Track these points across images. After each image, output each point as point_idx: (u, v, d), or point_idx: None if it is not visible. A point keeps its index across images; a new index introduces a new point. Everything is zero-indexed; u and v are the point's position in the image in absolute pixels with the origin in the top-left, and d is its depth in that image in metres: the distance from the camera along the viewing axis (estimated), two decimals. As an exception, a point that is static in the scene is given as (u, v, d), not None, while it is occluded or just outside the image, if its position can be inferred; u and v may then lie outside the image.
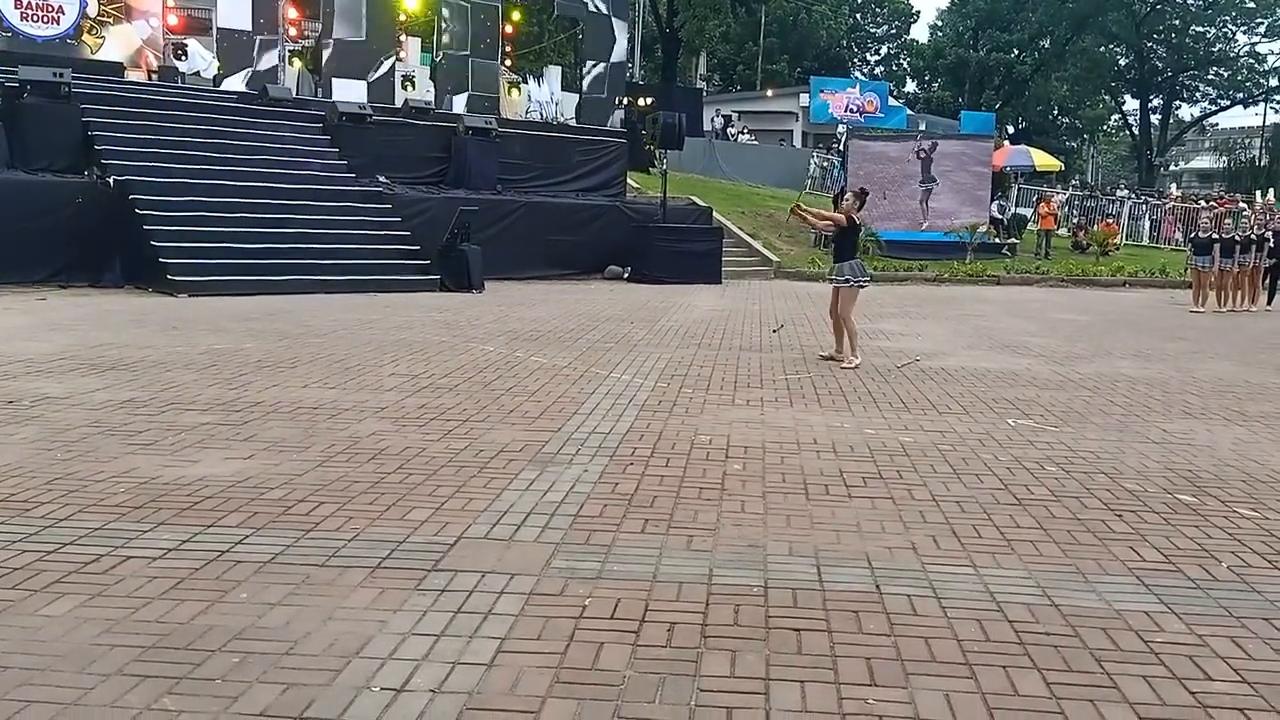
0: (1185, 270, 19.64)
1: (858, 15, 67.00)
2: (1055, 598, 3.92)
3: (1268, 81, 62.14)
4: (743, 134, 39.28)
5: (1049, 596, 3.93)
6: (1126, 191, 37.33)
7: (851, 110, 40.47)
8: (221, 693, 3.00)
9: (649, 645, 3.40)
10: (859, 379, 8.85)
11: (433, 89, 22.01)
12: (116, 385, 7.42)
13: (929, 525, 4.78)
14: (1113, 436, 6.85)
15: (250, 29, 18.62)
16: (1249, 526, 4.93)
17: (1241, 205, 28.28)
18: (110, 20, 18.93)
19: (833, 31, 60.35)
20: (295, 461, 5.54)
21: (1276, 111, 64.21)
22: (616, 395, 7.72)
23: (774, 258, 22.16)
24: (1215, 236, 17.61)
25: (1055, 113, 68.23)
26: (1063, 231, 28.58)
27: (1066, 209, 31.08)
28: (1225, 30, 61.66)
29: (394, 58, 20.57)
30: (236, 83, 18.74)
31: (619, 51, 23.46)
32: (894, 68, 68.81)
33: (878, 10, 67.81)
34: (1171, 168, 78.85)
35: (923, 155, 24.83)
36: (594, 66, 22.95)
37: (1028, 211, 28.66)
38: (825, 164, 32.22)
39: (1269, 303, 18.37)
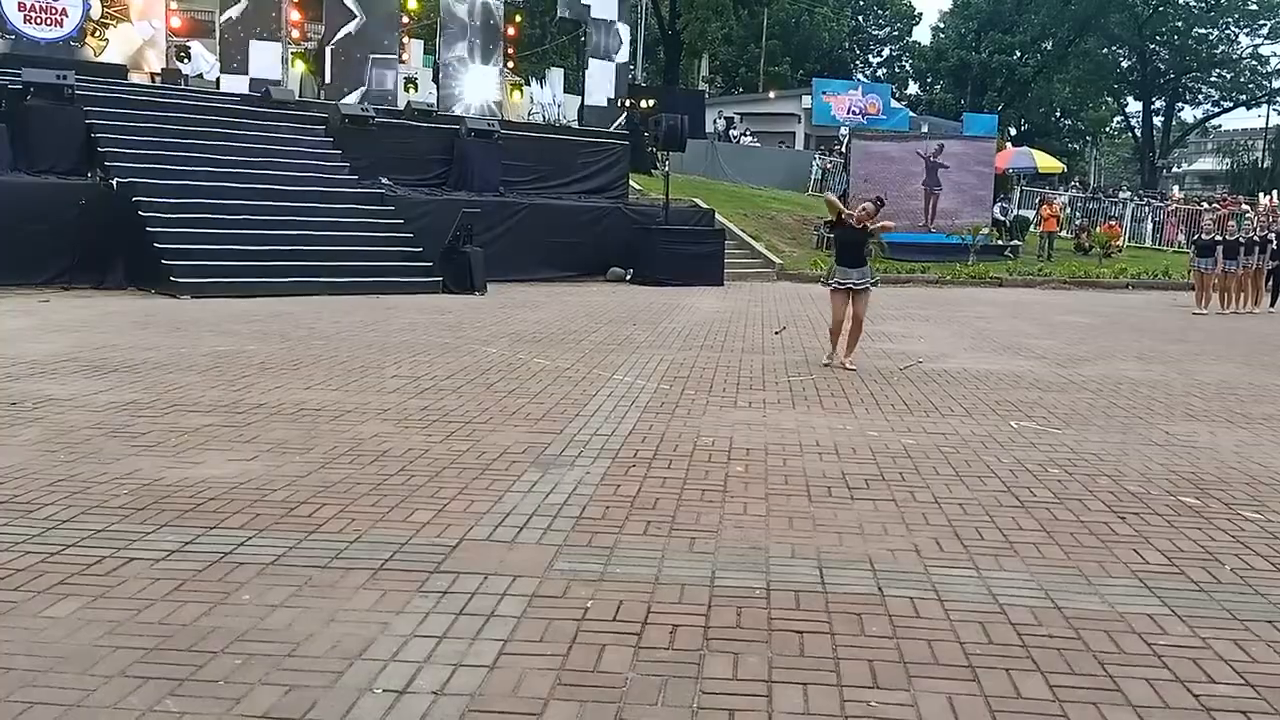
0: (1188, 272, 19.62)
1: (860, 17, 67.01)
2: (1058, 600, 3.92)
3: (1270, 83, 62.09)
4: (745, 136, 39.27)
5: (1052, 599, 3.93)
6: (1129, 193, 37.28)
7: (854, 112, 40.47)
8: (224, 694, 3.00)
9: (651, 647, 3.40)
10: (860, 381, 8.84)
11: (435, 91, 22.04)
12: (120, 387, 7.42)
13: (931, 527, 4.78)
14: (1115, 439, 6.84)
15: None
16: (1252, 529, 4.92)
17: (1244, 207, 28.27)
18: (113, 23, 18.97)
19: (835, 33, 60.36)
20: (298, 463, 5.54)
21: (1279, 113, 64.22)
22: (619, 397, 7.72)
23: (776, 260, 22.16)
24: (1218, 238, 17.61)
25: (1057, 115, 68.18)
26: (1065, 233, 28.56)
27: (1069, 211, 31.06)
28: (1228, 32, 61.62)
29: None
30: (239, 84, 18.80)
31: (621, 54, 23.48)
32: (896, 70, 68.80)
33: (880, 12, 67.81)
34: (1174, 170, 78.77)
35: (929, 158, 24.81)
36: (596, 69, 22.97)
37: (1030, 213, 28.65)
38: (828, 166, 32.23)
39: (1272, 305, 18.36)
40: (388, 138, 18.17)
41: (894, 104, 44.72)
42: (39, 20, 17.59)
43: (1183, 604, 3.93)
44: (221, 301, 12.81)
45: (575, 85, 27.13)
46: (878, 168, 24.62)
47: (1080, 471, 5.90)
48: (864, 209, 9.69)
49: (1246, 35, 61.49)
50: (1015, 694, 3.16)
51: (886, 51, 69.98)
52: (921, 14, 67.90)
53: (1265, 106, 63.72)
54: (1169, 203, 33.72)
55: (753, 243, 22.91)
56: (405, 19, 23.78)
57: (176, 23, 20.09)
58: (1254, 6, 59.68)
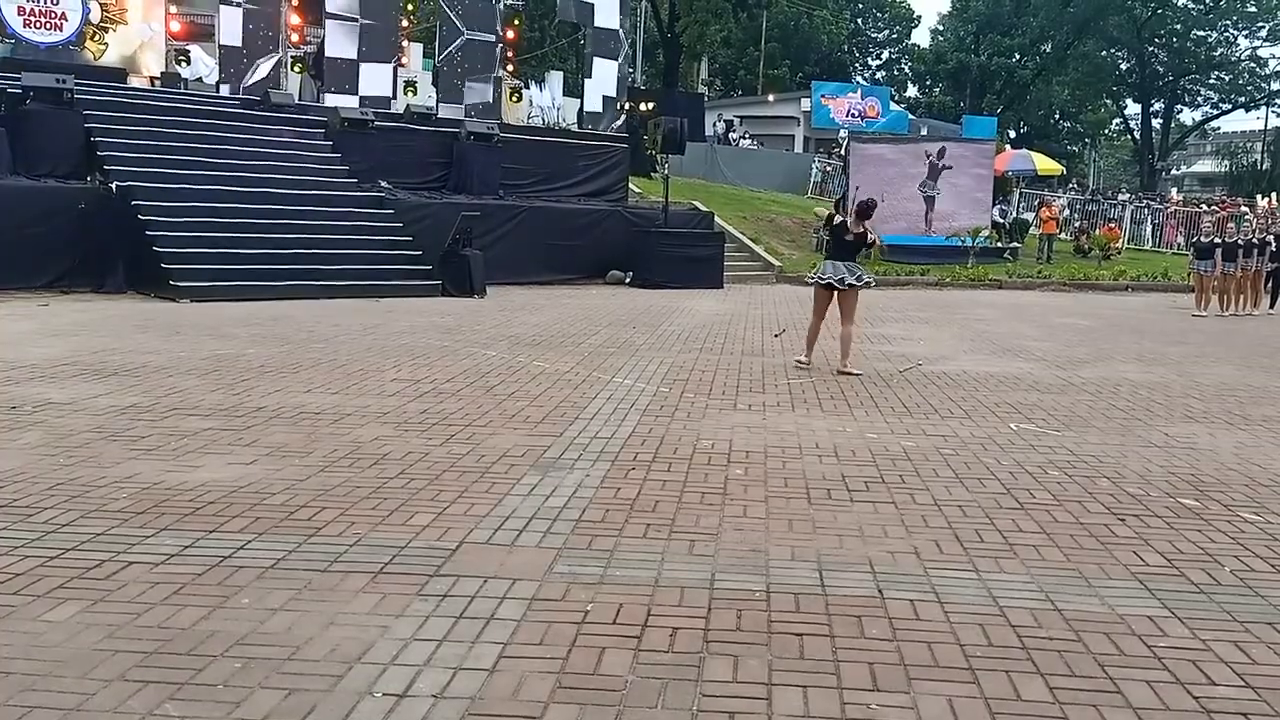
0: (1187, 274, 19.64)
1: (859, 20, 67.04)
2: (1058, 602, 3.92)
3: (1269, 85, 62.12)
4: (744, 139, 39.29)
5: (1052, 601, 3.93)
6: (1128, 195, 37.29)
7: (853, 115, 40.48)
8: (223, 698, 3.00)
9: (651, 650, 3.40)
10: (860, 384, 8.84)
11: (435, 94, 22.05)
12: (119, 390, 7.42)
13: (931, 529, 4.78)
14: (1115, 440, 6.84)
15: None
16: (1252, 530, 4.92)
17: (1243, 209, 28.28)
18: (113, 27, 18.96)
19: (834, 36, 60.38)
20: (297, 467, 5.54)
21: (1278, 115, 64.25)
22: (618, 400, 7.72)
23: (776, 262, 22.18)
24: (1217, 241, 17.63)
25: (1056, 117, 68.22)
26: (1065, 235, 28.59)
27: (1068, 213, 31.08)
28: (1226, 34, 61.62)
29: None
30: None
31: (620, 56, 23.48)
32: (895, 72, 68.82)
33: (879, 15, 67.85)
34: (1173, 172, 78.77)
35: (933, 160, 24.83)
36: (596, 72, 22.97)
37: (1030, 216, 28.67)
38: (828, 168, 32.25)
39: (1271, 307, 18.37)
40: (386, 141, 18.17)
41: (893, 107, 44.70)
42: (39, 25, 17.59)
43: (1182, 606, 3.92)
44: (221, 305, 12.82)
45: (574, 88, 27.15)
46: (875, 170, 24.64)
47: (1080, 473, 5.90)
48: (854, 222, 9.45)
49: (1245, 37, 61.56)
50: (1015, 696, 3.16)
51: (885, 54, 70.03)
52: (920, 17, 68.03)
53: (1264, 109, 63.81)
54: (1168, 205, 33.72)
55: (752, 245, 22.92)
56: (404, 23, 23.79)
57: (176, 27, 20.09)
58: (1252, 8, 59.71)
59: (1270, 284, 18.51)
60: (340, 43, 19.30)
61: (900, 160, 24.97)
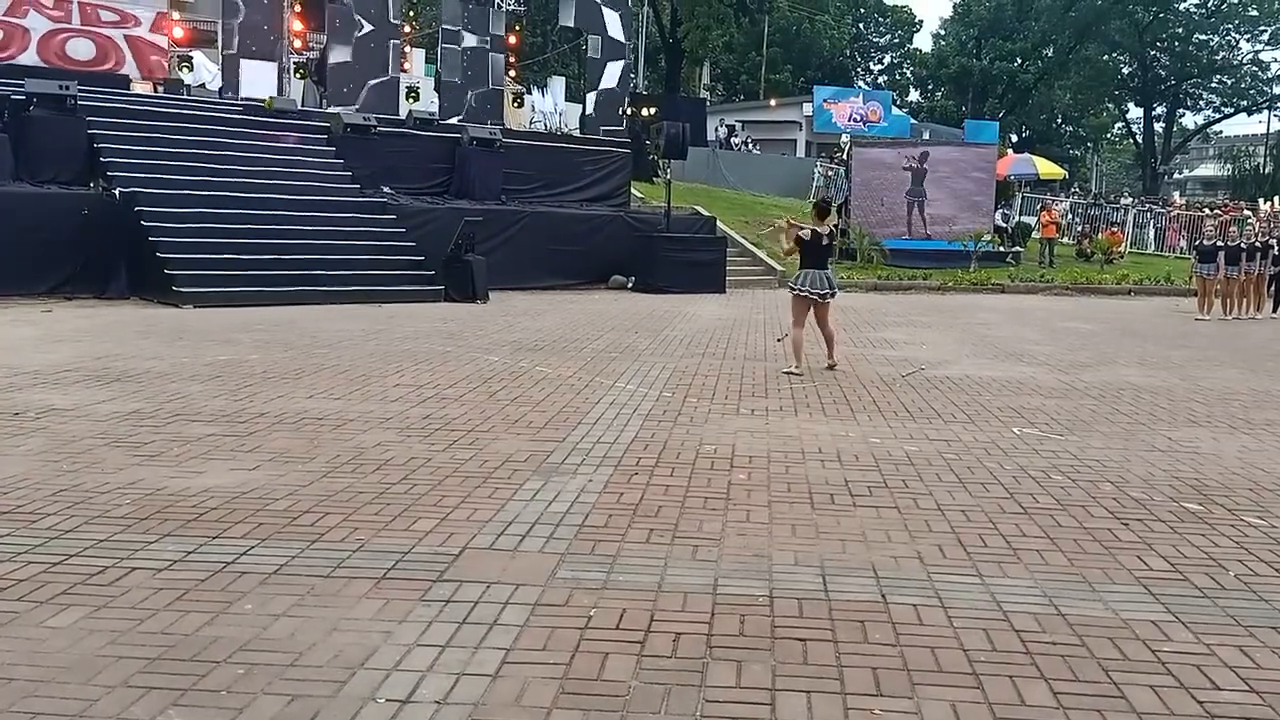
0: (1190, 278, 19.62)
1: (860, 25, 67.09)
2: (1062, 607, 3.91)
3: (1271, 89, 62.09)
4: (746, 143, 39.32)
5: (1055, 606, 3.92)
6: (1131, 199, 37.27)
7: (855, 119, 40.52)
8: (227, 704, 3.00)
9: (654, 655, 3.39)
10: (863, 388, 8.84)
11: (436, 100, 22.08)
12: (122, 397, 7.43)
13: (934, 534, 4.77)
14: (1118, 445, 6.83)
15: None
16: (1256, 535, 4.91)
17: (1246, 213, 28.27)
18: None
19: (835, 41, 60.43)
20: (300, 472, 5.54)
21: (1280, 119, 64.20)
22: (621, 405, 7.72)
23: (778, 267, 22.16)
24: (1220, 244, 17.63)
25: (1059, 121, 68.21)
26: (1067, 240, 28.59)
27: (1070, 217, 31.07)
28: (1229, 38, 61.63)
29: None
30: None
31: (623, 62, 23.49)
32: (897, 77, 68.84)
33: (880, 20, 67.90)
34: (1176, 175, 78.79)
35: (912, 167, 24.85)
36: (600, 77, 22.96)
37: (1032, 220, 28.68)
38: (829, 173, 32.24)
39: (1274, 310, 18.35)
40: (389, 147, 18.20)
41: (895, 111, 44.76)
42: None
43: (1187, 610, 3.92)
44: (224, 311, 12.83)
45: (576, 93, 27.17)
46: (874, 174, 24.73)
47: (1083, 478, 5.90)
48: (819, 224, 9.76)
49: (1247, 41, 61.53)
50: (1019, 701, 3.16)
51: (887, 59, 70.05)
52: (922, 21, 68.15)
53: (1266, 112, 63.77)
54: (1171, 209, 33.72)
55: (754, 250, 22.91)
56: (406, 29, 23.83)
57: (179, 33, 20.12)
58: (1254, 12, 59.70)
59: (1273, 288, 18.48)
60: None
61: (897, 164, 25.00)
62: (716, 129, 38.96)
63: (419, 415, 7.11)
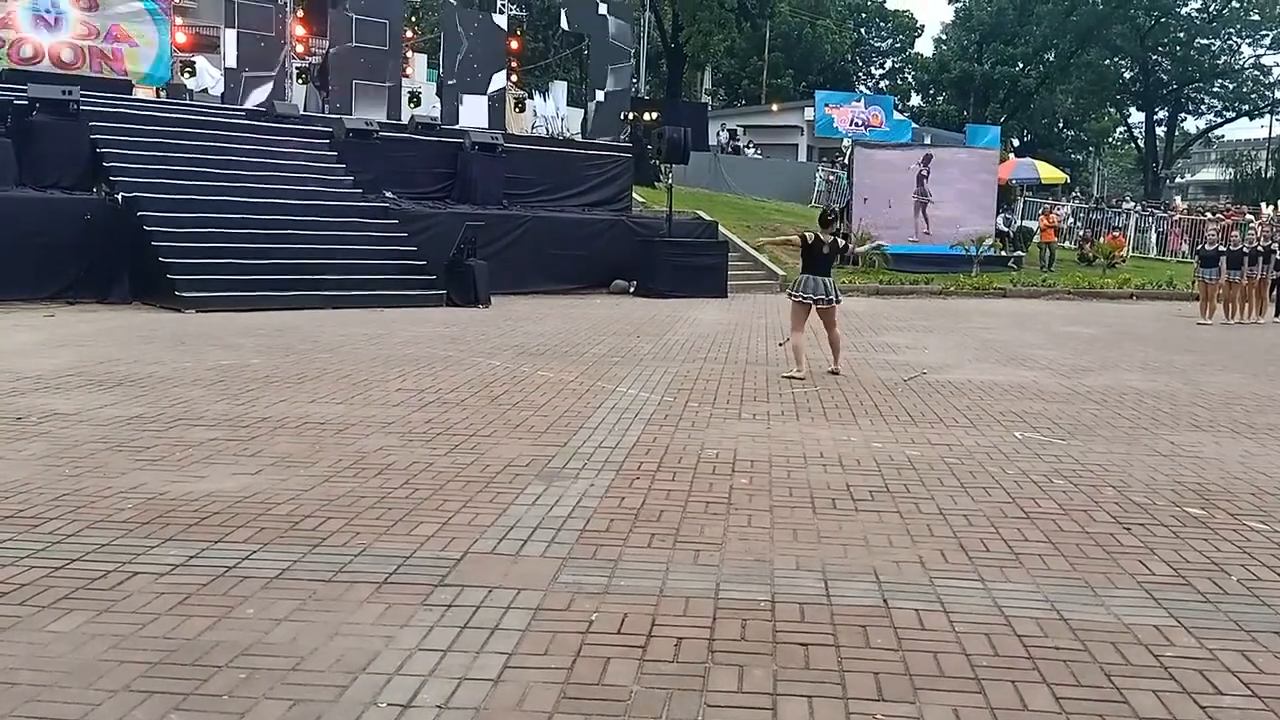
0: (1192, 282, 19.62)
1: (862, 30, 67.09)
2: (1064, 612, 3.90)
3: (1273, 93, 62.12)
4: (748, 148, 39.33)
5: (1057, 610, 3.92)
6: (1133, 204, 37.28)
7: (856, 124, 40.53)
8: (228, 709, 2.99)
9: (656, 660, 3.39)
10: (864, 392, 8.83)
11: (439, 105, 22.12)
12: (124, 401, 7.44)
13: (936, 539, 4.77)
14: (1120, 449, 6.83)
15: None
16: (1258, 540, 4.90)
17: (1248, 217, 28.28)
18: None
19: (837, 46, 60.43)
20: (302, 477, 5.54)
21: (1282, 123, 64.18)
22: (623, 409, 7.72)
23: (780, 271, 22.16)
24: (1222, 249, 17.63)
25: (1060, 125, 68.19)
26: (1068, 244, 28.60)
27: (1072, 221, 31.08)
28: (1230, 43, 61.64)
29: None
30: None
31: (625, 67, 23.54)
32: (899, 81, 68.85)
33: (882, 24, 67.92)
34: (1177, 180, 78.71)
35: (917, 169, 24.88)
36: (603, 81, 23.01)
37: (1034, 224, 28.71)
38: (831, 178, 32.27)
39: (1276, 314, 18.34)
40: (391, 151, 18.22)
41: (897, 116, 44.76)
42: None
43: (1189, 615, 3.91)
44: (226, 315, 12.84)
45: (578, 98, 27.19)
46: (881, 176, 24.69)
47: (1085, 482, 5.89)
48: (823, 233, 9.72)
49: (1249, 45, 61.54)
50: (1021, 706, 3.15)
51: (889, 63, 70.08)
52: (924, 26, 68.04)
53: (1268, 117, 63.79)
54: (1172, 213, 33.72)
55: (756, 254, 22.91)
56: (408, 34, 23.87)
57: (182, 38, 20.16)
58: (1255, 17, 59.73)
59: (1275, 292, 18.48)
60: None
61: (905, 166, 25.01)
62: (718, 134, 38.99)
63: (421, 420, 7.11)
